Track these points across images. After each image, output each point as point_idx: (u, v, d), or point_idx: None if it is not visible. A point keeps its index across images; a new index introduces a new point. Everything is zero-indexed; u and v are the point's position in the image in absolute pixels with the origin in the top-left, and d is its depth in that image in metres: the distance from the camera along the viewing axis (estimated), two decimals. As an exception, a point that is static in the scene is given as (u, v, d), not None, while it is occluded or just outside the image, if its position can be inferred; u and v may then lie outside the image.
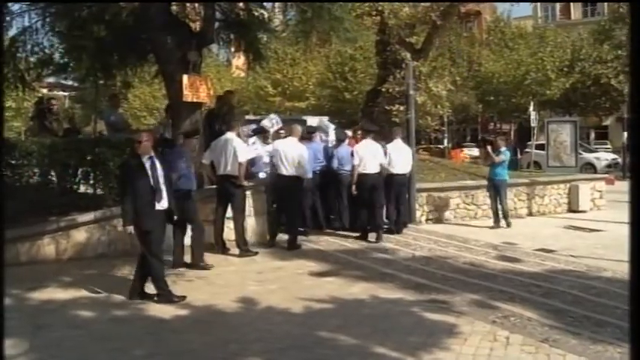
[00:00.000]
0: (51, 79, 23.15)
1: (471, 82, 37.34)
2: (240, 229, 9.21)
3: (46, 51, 12.06)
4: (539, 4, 48.52)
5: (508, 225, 11.73)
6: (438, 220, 12.60)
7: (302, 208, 10.37)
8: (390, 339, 5.26)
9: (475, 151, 34.48)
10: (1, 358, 2.67)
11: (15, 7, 10.95)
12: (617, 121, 38.20)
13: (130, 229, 6.48)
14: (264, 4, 11.56)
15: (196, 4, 11.21)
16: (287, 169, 9.60)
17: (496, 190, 11.93)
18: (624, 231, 7.36)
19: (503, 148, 12.23)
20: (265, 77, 38.57)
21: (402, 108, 13.48)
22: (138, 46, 11.36)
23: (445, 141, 39.63)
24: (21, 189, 9.21)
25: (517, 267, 8.38)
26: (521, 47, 35.99)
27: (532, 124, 21.43)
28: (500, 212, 11.89)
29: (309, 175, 9.96)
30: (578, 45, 36.74)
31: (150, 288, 6.75)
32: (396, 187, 10.97)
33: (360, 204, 10.57)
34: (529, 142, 26.40)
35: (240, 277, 7.82)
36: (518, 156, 28.03)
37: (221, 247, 9.24)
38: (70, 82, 26.62)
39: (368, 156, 10.35)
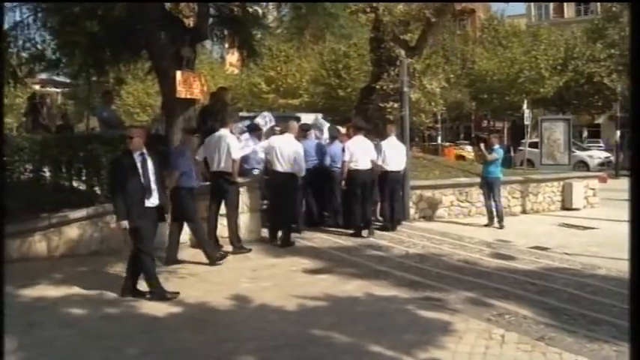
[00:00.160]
0: (43, 76, 23.02)
1: (464, 79, 37.31)
2: (233, 226, 9.15)
3: (38, 46, 11.95)
4: (532, 3, 48.64)
5: (501, 227, 11.63)
6: (429, 218, 12.57)
7: (295, 205, 10.32)
8: (385, 337, 5.23)
9: (468, 149, 34.45)
10: (1, 357, 2.58)
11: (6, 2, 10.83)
12: (610, 119, 38.29)
13: (125, 223, 6.42)
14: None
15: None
16: (282, 166, 9.55)
17: (489, 188, 11.91)
18: (618, 229, 7.44)
19: (496, 146, 12.20)
20: (259, 74, 38.40)
21: (396, 105, 13.46)
22: (131, 42, 11.25)
23: (439, 138, 39.62)
24: (12, 185, 9.12)
25: (511, 265, 8.38)
26: (515, 45, 35.98)
27: (525, 122, 21.40)
28: (494, 211, 11.85)
29: (304, 173, 9.90)
30: (571, 43, 36.80)
31: (142, 285, 6.69)
32: (390, 184, 10.95)
33: (352, 200, 10.54)
34: (522, 140, 26.42)
35: (234, 275, 7.76)
36: (512, 154, 28.05)
37: (214, 244, 9.17)
38: (62, 79, 26.51)
39: (359, 152, 10.34)
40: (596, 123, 41.95)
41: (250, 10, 10.88)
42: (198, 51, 12.32)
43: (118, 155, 7.41)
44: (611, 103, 34.34)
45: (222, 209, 9.26)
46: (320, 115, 14.85)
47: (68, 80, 25.80)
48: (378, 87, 14.57)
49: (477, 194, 12.82)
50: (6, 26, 11.53)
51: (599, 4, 41.78)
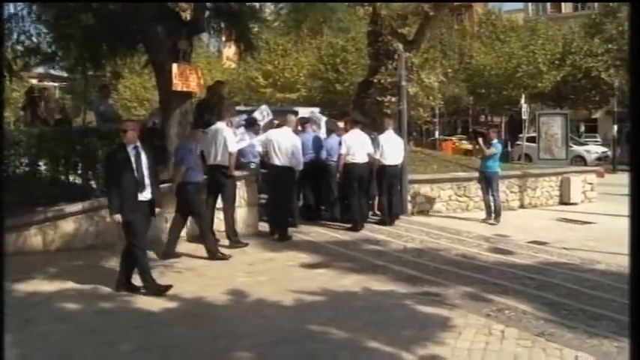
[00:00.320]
0: (41, 70, 22.89)
1: (462, 74, 37.32)
2: (230, 220, 9.09)
3: (33, 39, 11.85)
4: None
5: (497, 222, 11.52)
6: (427, 212, 12.52)
7: (292, 199, 10.28)
8: (383, 332, 5.17)
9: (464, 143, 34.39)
10: (1, 357, 2.75)
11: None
12: (607, 114, 38.32)
13: (118, 217, 6.38)
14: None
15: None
16: (280, 160, 9.50)
17: (488, 183, 11.83)
18: (615, 223, 7.41)
19: (494, 141, 12.11)
20: (256, 68, 38.36)
21: (393, 99, 13.40)
22: (127, 35, 11.16)
23: (436, 133, 39.61)
24: (8, 179, 9.05)
25: (510, 259, 8.33)
26: (513, 40, 35.95)
27: (523, 117, 21.36)
28: (492, 206, 11.78)
29: (301, 167, 9.84)
30: (569, 38, 36.80)
31: (137, 280, 6.62)
32: (388, 178, 10.91)
33: (349, 194, 10.50)
34: (520, 135, 26.40)
35: (231, 269, 7.71)
36: (509, 148, 28.03)
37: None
38: (59, 73, 26.37)
39: (356, 145, 10.32)
40: (593, 118, 42.00)
41: (247, 3, 10.76)
42: (195, 45, 12.24)
43: (112, 149, 7.37)
44: (608, 98, 34.40)
45: (219, 203, 9.18)
46: (317, 109, 14.79)
47: (66, 74, 25.65)
48: (375, 81, 14.52)
49: (475, 189, 12.76)
50: (0, 18, 11.44)
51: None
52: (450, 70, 32.12)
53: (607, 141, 32.69)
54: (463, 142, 35.38)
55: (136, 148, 6.48)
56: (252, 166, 10.50)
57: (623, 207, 10.90)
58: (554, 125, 18.22)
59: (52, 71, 23.68)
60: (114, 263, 7.54)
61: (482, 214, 11.93)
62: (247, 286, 6.77)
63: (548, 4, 49.55)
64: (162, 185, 9.30)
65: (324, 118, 13.05)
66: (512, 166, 17.47)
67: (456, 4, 34.26)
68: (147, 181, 6.49)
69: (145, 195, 6.50)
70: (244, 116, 11.87)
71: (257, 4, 11.11)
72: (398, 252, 8.78)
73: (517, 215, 12.70)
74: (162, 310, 5.96)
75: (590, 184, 14.97)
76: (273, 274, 7.41)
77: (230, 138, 8.94)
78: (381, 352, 4.78)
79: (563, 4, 48.60)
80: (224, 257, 8.26)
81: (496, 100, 36.41)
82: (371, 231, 10.37)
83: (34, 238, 8.63)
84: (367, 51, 17.00)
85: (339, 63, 35.76)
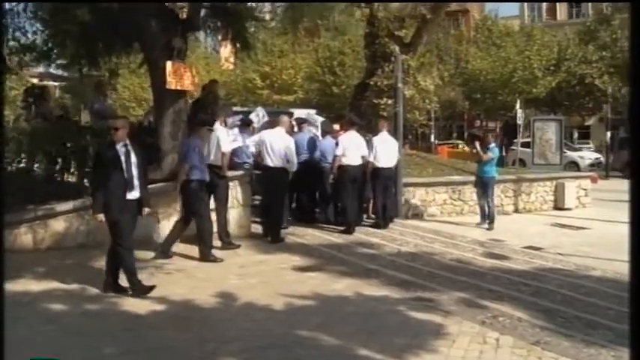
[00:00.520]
0: (41, 69, 22.78)
1: (458, 78, 37.33)
2: (222, 221, 8.97)
3: (29, 35, 11.74)
4: (525, 4, 48.76)
5: (490, 228, 11.35)
6: (422, 216, 12.44)
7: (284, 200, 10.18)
8: (375, 340, 5.04)
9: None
10: (1, 357, 2.78)
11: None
12: (600, 121, 38.49)
13: (101, 217, 6.27)
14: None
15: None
16: (273, 161, 9.39)
17: (484, 187, 11.73)
18: (610, 229, 7.35)
19: (492, 144, 12.00)
20: (254, 70, 38.29)
21: (389, 102, 13.33)
22: (123, 32, 11.04)
23: (432, 136, 39.61)
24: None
25: (505, 264, 8.24)
26: (509, 45, 36.01)
27: (518, 122, 21.37)
28: (486, 211, 11.67)
29: (295, 168, 9.73)
30: (564, 45, 36.91)
31: (124, 281, 6.51)
32: (382, 180, 10.81)
33: (343, 196, 10.42)
34: (515, 140, 26.42)
35: (221, 271, 7.59)
36: (504, 153, 28.02)
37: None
38: (60, 73, 26.28)
39: (351, 147, 10.26)
40: (586, 125, 42.14)
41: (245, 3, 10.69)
42: (193, 45, 12.17)
43: (101, 147, 7.27)
44: (602, 105, 34.63)
45: (212, 204, 9.06)
46: (312, 111, 14.71)
47: (66, 74, 25.59)
48: (372, 83, 14.45)
49: (469, 192, 12.69)
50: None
51: (590, 6, 42.04)
52: (446, 74, 32.12)
53: (599, 148, 32.81)
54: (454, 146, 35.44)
55: (125, 146, 6.37)
56: (246, 166, 10.40)
57: (617, 213, 10.86)
58: (549, 131, 18.22)
59: (51, 70, 23.60)
60: (104, 262, 7.37)
61: (477, 219, 11.84)
62: (238, 289, 6.64)
63: (544, 12, 49.72)
64: (154, 185, 9.31)
65: (320, 119, 12.98)
66: (508, 170, 17.44)
67: (452, 8, 34.38)
68: (136, 180, 6.38)
69: (134, 194, 6.39)
70: (239, 117, 11.80)
71: (254, 4, 11.01)
72: (392, 256, 8.68)
73: (512, 220, 12.62)
74: (149, 313, 5.83)
75: (585, 189, 14.92)
76: (264, 277, 7.30)
77: (223, 138, 8.84)
78: None
79: (558, 11, 48.78)
80: (216, 260, 8.13)
81: (491, 105, 36.47)
82: (365, 234, 10.27)
83: (24, 236, 8.50)
84: (364, 53, 16.94)
85: (336, 66, 35.72)
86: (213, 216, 9.04)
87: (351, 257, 8.53)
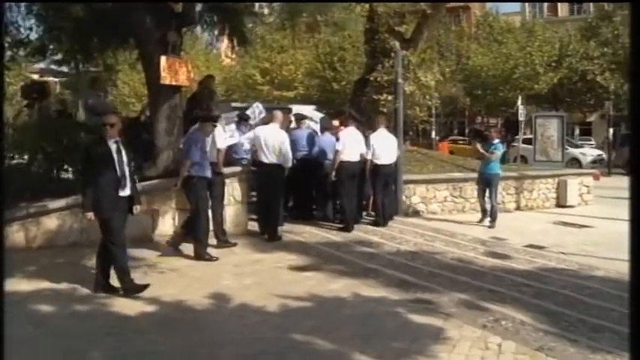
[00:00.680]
0: (42, 65, 22.66)
1: (459, 75, 37.19)
2: (218, 219, 8.79)
3: (22, 30, 11.57)
4: (527, 2, 48.61)
5: (491, 226, 11.12)
6: (422, 213, 12.24)
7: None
8: (372, 344, 4.84)
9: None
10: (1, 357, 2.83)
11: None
12: (601, 118, 38.31)
13: (91, 215, 6.11)
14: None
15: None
16: (268, 157, 9.20)
17: (487, 185, 11.47)
18: (613, 227, 7.12)
19: (496, 141, 11.71)
20: (254, 65, 38.14)
21: (390, 97, 13.17)
22: (118, 27, 10.86)
23: (433, 133, 39.46)
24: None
25: (507, 264, 8.04)
26: (510, 41, 35.87)
27: (520, 119, 21.20)
28: (488, 209, 11.44)
29: (290, 164, 9.53)
30: (565, 41, 36.74)
31: (116, 281, 6.33)
32: (382, 177, 10.61)
33: (341, 193, 10.27)
34: (516, 137, 26.26)
35: (216, 270, 7.40)
36: (505, 150, 27.86)
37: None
38: (61, 69, 26.22)
39: (351, 143, 10.09)
40: (587, 121, 41.98)
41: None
42: (193, 41, 12.04)
43: (91, 142, 7.14)
44: (603, 102, 34.39)
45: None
46: (312, 107, 14.55)
47: (66, 69, 25.53)
48: (372, 79, 14.31)
49: (471, 190, 12.49)
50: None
51: (591, 3, 41.81)
52: (447, 70, 31.97)
53: (601, 144, 32.65)
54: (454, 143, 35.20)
55: (117, 142, 6.23)
56: (244, 162, 10.21)
57: (620, 210, 10.64)
58: (551, 127, 18.04)
59: (52, 66, 23.54)
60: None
61: (478, 216, 11.64)
62: (231, 290, 6.45)
63: (545, 8, 49.52)
64: (149, 182, 9.15)
65: (319, 115, 12.81)
66: (509, 167, 17.27)
67: (453, 4, 34.17)
68: (127, 177, 6.26)
69: (126, 191, 6.27)
70: (236, 112, 11.63)
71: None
72: (391, 255, 8.48)
73: (513, 217, 12.42)
74: (138, 315, 5.63)
75: (587, 186, 14.75)
76: (259, 277, 7.10)
77: (218, 134, 8.65)
78: (369, 365, 4.47)
79: (559, 8, 48.57)
80: (211, 259, 7.96)
81: (492, 101, 36.39)
82: (364, 232, 10.09)
83: (16, 234, 8.32)
84: (364, 49, 16.79)
85: (336, 62, 35.58)
86: (209, 213, 8.90)
87: (349, 256, 8.33)
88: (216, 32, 13.03)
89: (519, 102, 20.89)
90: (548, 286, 6.81)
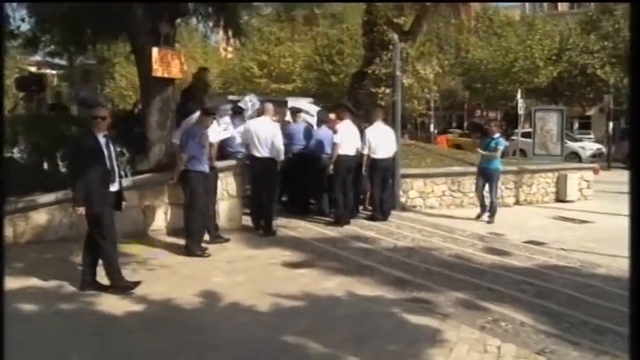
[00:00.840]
0: (38, 57, 22.49)
1: (458, 68, 36.97)
2: (211, 213, 8.60)
3: (12, 21, 11.36)
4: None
5: (490, 222, 10.94)
6: (420, 208, 12.07)
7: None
8: (366, 347, 4.65)
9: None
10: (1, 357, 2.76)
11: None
12: (600, 111, 38.15)
13: (82, 210, 5.93)
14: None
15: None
16: (260, 151, 9.00)
17: (487, 180, 11.25)
18: (614, 222, 6.88)
19: (497, 135, 11.48)
20: (251, 58, 37.87)
21: (387, 90, 13.00)
22: (110, 18, 10.65)
23: (432, 126, 39.28)
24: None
25: (506, 261, 7.85)
26: (510, 35, 35.65)
27: (519, 112, 21.06)
28: (487, 204, 11.23)
29: (282, 157, 9.32)
30: (565, 34, 36.55)
31: (104, 278, 6.15)
32: (380, 172, 10.41)
33: (336, 187, 10.07)
34: (516, 130, 26.10)
35: (208, 267, 7.22)
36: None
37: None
38: (58, 61, 26.15)
39: (348, 136, 9.94)
40: (587, 115, 41.79)
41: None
42: (190, 34, 11.87)
43: (80, 135, 6.98)
44: (602, 96, 34.24)
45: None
46: (308, 100, 14.35)
47: (63, 62, 25.46)
48: (369, 72, 14.16)
49: (470, 184, 12.29)
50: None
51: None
52: (446, 64, 31.77)
53: (600, 138, 32.49)
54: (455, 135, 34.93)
55: (106, 136, 6.09)
56: (239, 155, 10.01)
57: (620, 205, 10.42)
58: (550, 121, 17.94)
59: (48, 59, 23.41)
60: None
61: (477, 211, 11.43)
62: (223, 288, 6.26)
63: (545, 3, 49.31)
64: (141, 176, 8.97)
65: (315, 109, 12.61)
66: (509, 161, 17.09)
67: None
68: (117, 171, 6.16)
69: (115, 186, 6.15)
70: (230, 105, 11.42)
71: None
72: (387, 251, 8.30)
73: (512, 212, 12.24)
74: (125, 314, 5.44)
75: (587, 181, 14.56)
76: (252, 274, 6.91)
77: (211, 127, 8.44)
78: (362, 369, 4.28)
79: (559, 2, 48.42)
80: (203, 255, 7.77)
81: (492, 94, 36.20)
82: (360, 227, 9.91)
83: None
84: (362, 41, 16.62)
85: (334, 54, 35.32)
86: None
87: (344, 252, 8.15)
88: (210, 24, 12.83)
89: (519, 95, 20.75)
90: (549, 285, 6.63)
